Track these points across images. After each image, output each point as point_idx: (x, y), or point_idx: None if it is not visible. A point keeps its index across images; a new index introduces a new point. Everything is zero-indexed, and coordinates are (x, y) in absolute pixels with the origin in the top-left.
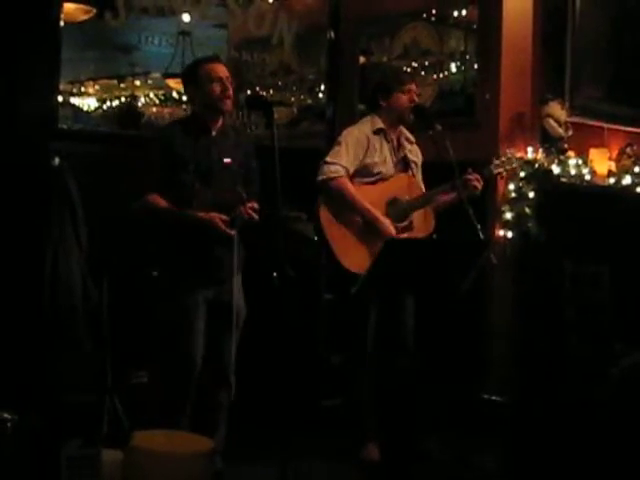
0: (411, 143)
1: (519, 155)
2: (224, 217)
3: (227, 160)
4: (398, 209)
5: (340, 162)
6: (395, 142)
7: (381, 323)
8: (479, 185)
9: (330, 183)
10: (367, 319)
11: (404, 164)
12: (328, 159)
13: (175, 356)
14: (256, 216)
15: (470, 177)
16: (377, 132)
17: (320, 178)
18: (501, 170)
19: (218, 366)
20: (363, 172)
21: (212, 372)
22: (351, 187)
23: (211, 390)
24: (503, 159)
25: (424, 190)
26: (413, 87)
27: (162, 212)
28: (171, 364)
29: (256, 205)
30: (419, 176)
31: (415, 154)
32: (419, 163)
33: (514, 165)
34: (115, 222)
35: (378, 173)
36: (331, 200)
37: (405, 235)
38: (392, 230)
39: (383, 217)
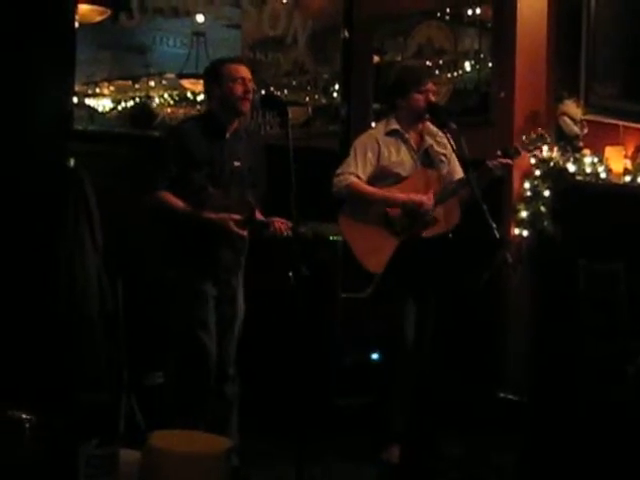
0: (434, 136)
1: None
2: (236, 217)
3: (237, 164)
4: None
5: (348, 170)
6: (415, 139)
7: (399, 323)
8: (505, 163)
9: (342, 191)
10: (396, 319)
11: (428, 159)
12: (338, 171)
13: (191, 351)
14: (288, 232)
15: (500, 160)
16: (391, 134)
17: (333, 191)
18: (530, 148)
19: (218, 362)
20: (382, 176)
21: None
22: (364, 185)
23: (215, 386)
24: (533, 136)
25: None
26: (430, 86)
27: (178, 211)
28: (187, 360)
29: (287, 222)
30: (453, 166)
31: (443, 146)
32: (449, 153)
33: (540, 144)
34: (130, 222)
35: (397, 174)
36: (349, 207)
37: (429, 230)
38: (420, 197)
39: (401, 193)
